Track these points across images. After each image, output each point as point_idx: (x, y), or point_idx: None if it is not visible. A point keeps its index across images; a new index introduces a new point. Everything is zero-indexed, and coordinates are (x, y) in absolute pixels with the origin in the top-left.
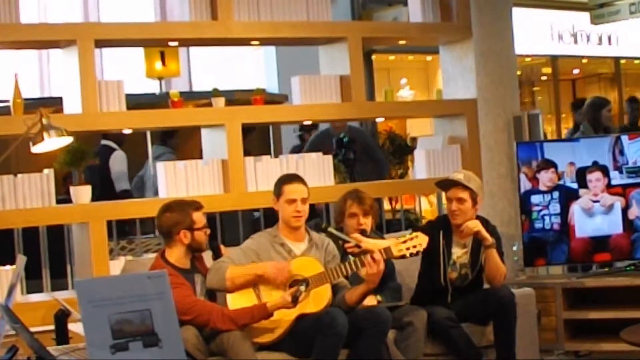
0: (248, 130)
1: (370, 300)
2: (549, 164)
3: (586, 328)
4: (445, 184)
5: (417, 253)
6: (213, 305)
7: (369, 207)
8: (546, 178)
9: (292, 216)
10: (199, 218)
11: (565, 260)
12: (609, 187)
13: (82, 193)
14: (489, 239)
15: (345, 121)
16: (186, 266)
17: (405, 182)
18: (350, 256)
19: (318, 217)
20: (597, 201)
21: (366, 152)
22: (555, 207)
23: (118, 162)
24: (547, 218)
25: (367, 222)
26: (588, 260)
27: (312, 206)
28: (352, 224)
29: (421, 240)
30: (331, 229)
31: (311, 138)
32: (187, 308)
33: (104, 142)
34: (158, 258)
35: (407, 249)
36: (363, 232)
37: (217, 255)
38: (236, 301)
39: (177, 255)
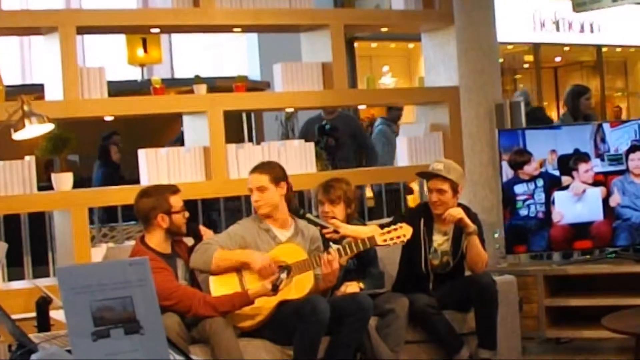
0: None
1: (353, 287)
2: (523, 154)
3: (567, 315)
4: (426, 175)
5: (401, 243)
6: (195, 292)
7: (335, 197)
8: (526, 169)
9: (254, 206)
10: (176, 201)
11: (545, 247)
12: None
13: (63, 180)
14: (471, 226)
15: (334, 107)
16: (167, 251)
17: (388, 169)
18: (330, 243)
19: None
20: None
21: (355, 139)
22: (541, 196)
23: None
24: (532, 207)
25: (336, 211)
26: (569, 248)
27: (301, 193)
28: (320, 211)
29: (405, 231)
30: (309, 215)
31: (302, 124)
32: (169, 293)
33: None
34: (138, 243)
35: (392, 239)
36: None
37: (197, 237)
38: (219, 286)
39: (157, 239)
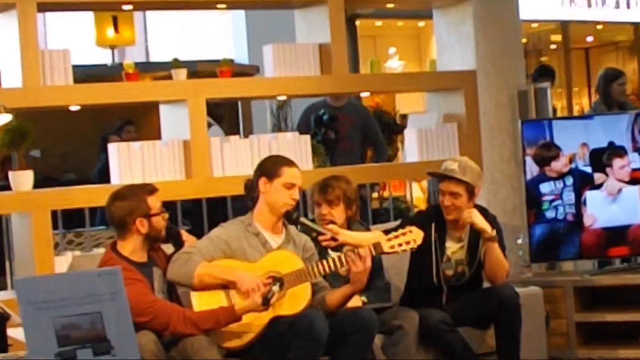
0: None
1: (355, 301)
2: (550, 148)
3: (601, 332)
4: (438, 176)
5: (410, 250)
6: (173, 306)
7: (333, 197)
8: (553, 166)
9: (287, 203)
10: (154, 203)
11: (576, 254)
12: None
13: (22, 179)
14: (489, 231)
15: (334, 95)
16: (142, 259)
17: (394, 166)
18: (329, 251)
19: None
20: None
21: (363, 131)
22: (570, 196)
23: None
24: (560, 208)
25: (334, 213)
26: (602, 255)
27: None
28: (316, 214)
29: (415, 236)
30: (304, 219)
31: (303, 111)
32: (144, 308)
33: None
34: (109, 251)
35: (400, 244)
36: (332, 224)
37: (177, 242)
38: (202, 301)
39: (131, 246)
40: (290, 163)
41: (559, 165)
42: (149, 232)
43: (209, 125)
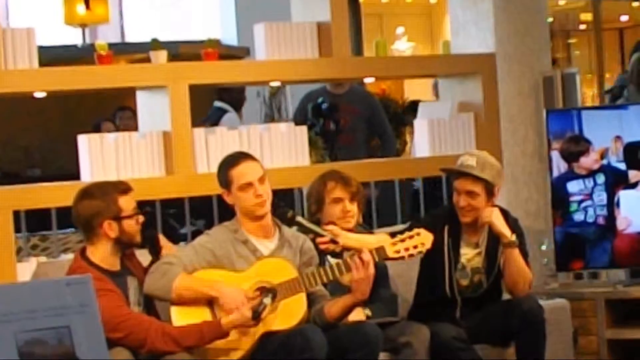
0: None
1: (357, 315)
2: (579, 142)
3: (635, 351)
4: (453, 173)
5: (419, 254)
6: (151, 320)
7: (356, 190)
8: (583, 162)
9: (255, 204)
10: (127, 203)
11: (607, 263)
12: None
13: None
14: (509, 235)
15: (334, 81)
16: (114, 267)
17: (402, 162)
18: (328, 257)
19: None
20: None
21: (369, 122)
22: (601, 196)
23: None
24: (590, 210)
25: (354, 210)
26: (638, 264)
27: (288, 193)
28: (335, 211)
29: (424, 239)
30: (300, 219)
31: (301, 99)
32: (117, 323)
33: (217, 104)
34: (78, 258)
35: (406, 249)
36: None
37: (154, 248)
38: (183, 316)
39: (101, 253)
40: (236, 161)
41: (589, 161)
42: (119, 237)
43: (223, 112)
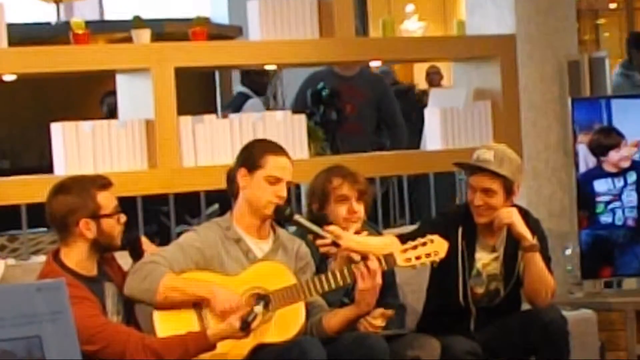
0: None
1: (378, 318)
2: (609, 134)
3: None
4: (468, 168)
5: (432, 264)
6: (130, 331)
7: (364, 188)
8: (612, 157)
9: (271, 201)
10: (106, 200)
11: (638, 270)
12: None
13: None
14: (530, 238)
15: (336, 64)
16: (91, 272)
17: (411, 155)
18: (331, 261)
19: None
20: None
21: (379, 109)
22: (631, 197)
23: (249, 112)
24: (618, 211)
25: (361, 211)
26: None
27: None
28: (340, 211)
29: (438, 247)
30: (298, 218)
31: (302, 83)
32: (93, 334)
33: (240, 88)
34: (50, 261)
35: (418, 257)
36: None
37: (136, 252)
38: (168, 324)
39: (77, 256)
40: (278, 150)
41: (619, 156)
42: (97, 238)
43: (246, 97)
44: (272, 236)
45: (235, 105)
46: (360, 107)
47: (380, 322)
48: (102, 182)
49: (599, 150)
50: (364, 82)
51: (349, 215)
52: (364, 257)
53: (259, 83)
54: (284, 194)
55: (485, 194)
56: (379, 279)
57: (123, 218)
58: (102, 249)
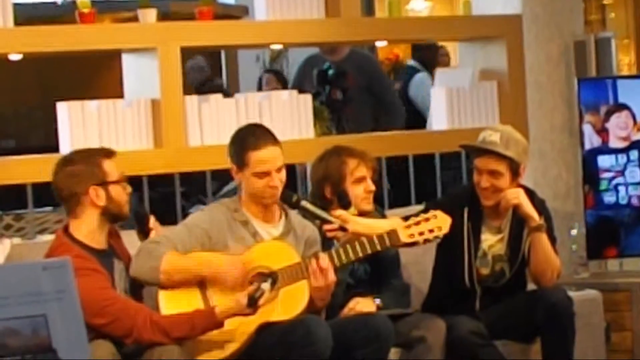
0: None
1: (366, 305)
2: (622, 108)
3: None
4: (474, 150)
5: (435, 239)
6: (139, 307)
7: (376, 165)
8: (619, 128)
9: (266, 192)
10: (112, 167)
11: None
12: None
13: None
14: (536, 218)
15: (342, 44)
16: (101, 245)
17: (416, 135)
18: (334, 242)
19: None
20: None
21: (371, 90)
22: (635, 173)
23: (415, 87)
24: (621, 189)
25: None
26: None
27: (291, 170)
28: (357, 191)
29: (441, 222)
30: (306, 204)
31: (299, 65)
32: (102, 307)
33: (409, 62)
34: (60, 235)
35: (421, 233)
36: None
37: (143, 228)
38: (172, 302)
39: (87, 227)
40: (258, 143)
41: (623, 131)
42: (107, 205)
43: (416, 71)
44: (284, 220)
45: (403, 78)
46: (351, 92)
47: (364, 307)
48: (106, 152)
49: (604, 130)
50: (353, 65)
51: (367, 195)
52: (315, 256)
53: (429, 57)
54: (276, 182)
55: (492, 176)
56: (331, 277)
57: (129, 188)
58: (111, 218)
